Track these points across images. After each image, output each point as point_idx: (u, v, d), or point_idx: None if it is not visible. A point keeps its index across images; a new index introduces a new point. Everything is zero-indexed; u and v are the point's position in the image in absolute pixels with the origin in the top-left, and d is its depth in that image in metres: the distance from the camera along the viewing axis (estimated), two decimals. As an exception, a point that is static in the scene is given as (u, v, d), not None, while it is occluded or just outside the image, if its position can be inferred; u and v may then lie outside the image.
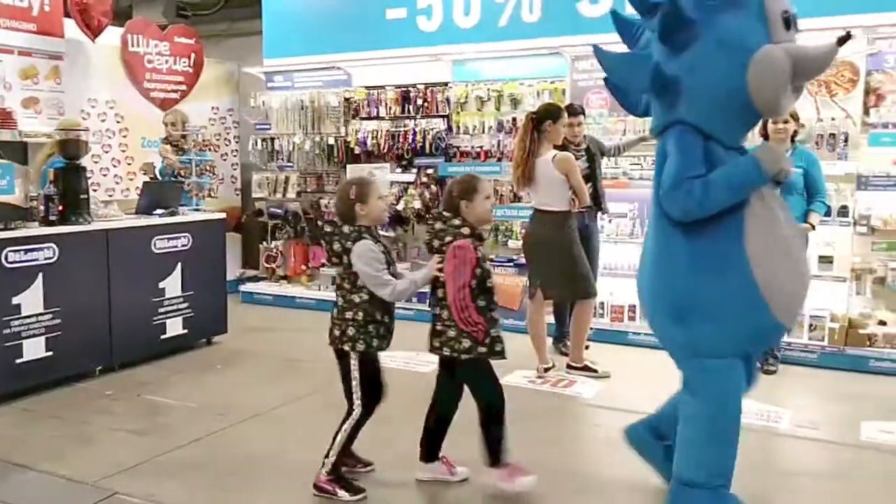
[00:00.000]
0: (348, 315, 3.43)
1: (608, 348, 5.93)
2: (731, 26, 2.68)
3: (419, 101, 7.43)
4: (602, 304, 6.24)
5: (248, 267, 8.81)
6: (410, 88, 7.49)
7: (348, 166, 7.77)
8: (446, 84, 7.31)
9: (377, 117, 7.69)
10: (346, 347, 3.42)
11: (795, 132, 5.23)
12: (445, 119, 7.32)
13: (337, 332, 3.45)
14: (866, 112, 5.65)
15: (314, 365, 5.61)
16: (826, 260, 5.62)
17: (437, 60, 7.23)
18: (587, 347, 5.48)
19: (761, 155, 2.75)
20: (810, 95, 5.72)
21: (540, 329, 5.37)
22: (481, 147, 7.17)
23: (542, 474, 3.49)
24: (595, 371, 5.26)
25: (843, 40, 2.70)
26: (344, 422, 3.47)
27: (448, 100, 7.29)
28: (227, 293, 6.41)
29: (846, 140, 5.63)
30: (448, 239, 3.34)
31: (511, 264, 6.71)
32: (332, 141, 7.91)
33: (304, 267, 8.22)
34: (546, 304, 5.50)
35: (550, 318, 5.83)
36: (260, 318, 7.36)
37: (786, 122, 5.16)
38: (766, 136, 5.33)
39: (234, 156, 9.01)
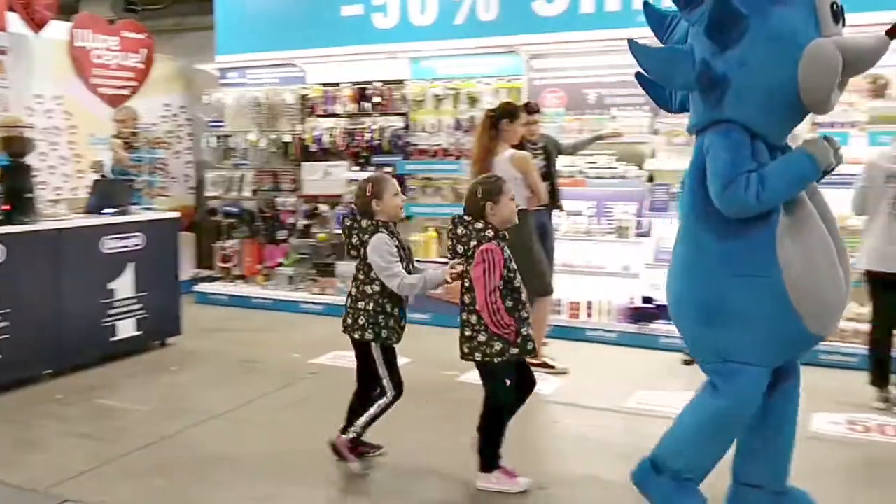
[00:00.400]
0: (360, 305, 3.57)
1: (566, 345, 5.97)
2: (782, 20, 2.56)
3: (376, 99, 7.40)
4: (559, 300, 6.29)
5: (202, 267, 8.66)
6: (367, 86, 7.45)
7: (304, 164, 7.70)
8: (403, 82, 7.29)
9: (333, 115, 7.63)
10: (357, 336, 3.57)
11: None
12: (403, 117, 7.30)
13: (349, 321, 3.62)
14: (814, 112, 5.78)
15: (270, 366, 5.54)
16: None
17: (394, 58, 7.20)
18: (545, 344, 5.51)
19: (812, 148, 2.64)
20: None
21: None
22: (439, 145, 7.16)
23: (503, 471, 3.49)
24: (553, 367, 5.30)
25: (894, 32, 2.56)
26: (376, 400, 3.61)
27: (405, 97, 7.26)
28: (181, 294, 6.30)
29: (796, 140, 5.75)
30: (473, 244, 3.34)
31: (469, 262, 6.70)
32: (287, 138, 7.82)
33: (259, 266, 8.11)
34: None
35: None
36: (215, 318, 7.24)
37: None
38: None
39: (188, 153, 8.85)
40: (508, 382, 3.45)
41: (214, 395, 4.84)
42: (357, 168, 7.53)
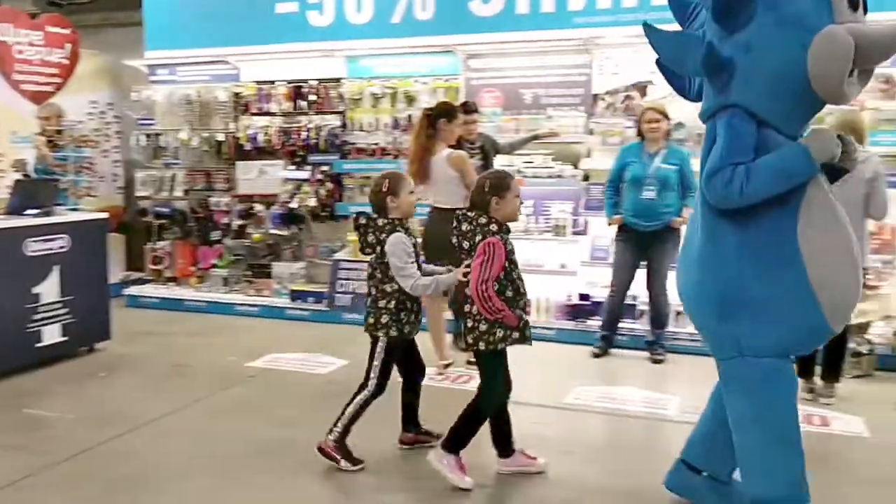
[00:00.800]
0: (381, 304, 3.61)
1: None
2: (791, 5, 2.50)
3: (312, 97, 7.31)
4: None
5: (133, 269, 8.39)
6: (303, 84, 7.35)
7: (238, 163, 7.55)
8: (339, 80, 7.22)
9: (269, 113, 7.50)
10: (381, 334, 3.62)
11: (669, 131, 5.50)
12: (340, 115, 7.23)
13: (371, 320, 3.65)
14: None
15: (203, 370, 5.42)
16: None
17: (330, 56, 7.12)
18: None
19: (811, 142, 2.57)
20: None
21: (439, 326, 5.39)
22: (377, 144, 7.12)
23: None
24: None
25: None
26: (356, 395, 3.64)
27: (342, 96, 7.19)
28: (110, 297, 6.09)
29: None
30: (478, 238, 3.35)
31: (408, 262, 6.68)
32: (221, 137, 7.66)
33: (192, 268, 7.92)
34: (444, 301, 5.52)
35: (449, 315, 5.86)
36: (146, 322, 7.03)
37: (658, 120, 5.40)
38: (640, 132, 5.53)
39: (116, 152, 8.57)
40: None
41: (146, 401, 4.70)
42: (293, 167, 7.42)
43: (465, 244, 3.42)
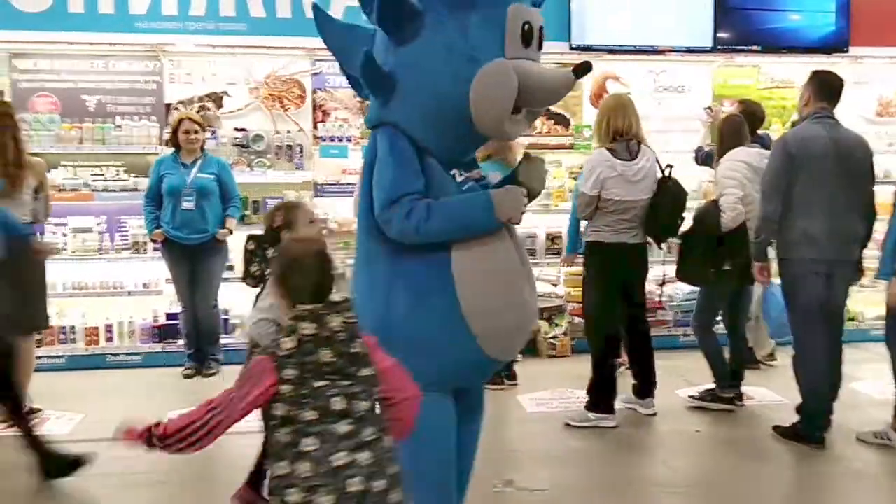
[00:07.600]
0: None
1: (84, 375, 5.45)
2: (461, 30, 2.32)
3: None
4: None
5: None
6: None
7: None
8: None
9: None
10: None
11: (205, 140, 5.55)
12: None
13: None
14: (315, 126, 6.25)
15: None
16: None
17: None
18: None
19: (500, 198, 2.40)
20: (266, 109, 6.14)
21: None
22: None
23: None
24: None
25: (581, 70, 2.33)
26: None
27: None
28: None
29: (301, 151, 6.14)
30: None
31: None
32: None
33: None
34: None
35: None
36: None
37: (196, 130, 5.38)
38: (176, 142, 5.43)
39: None
40: None
41: None
42: None
43: None
